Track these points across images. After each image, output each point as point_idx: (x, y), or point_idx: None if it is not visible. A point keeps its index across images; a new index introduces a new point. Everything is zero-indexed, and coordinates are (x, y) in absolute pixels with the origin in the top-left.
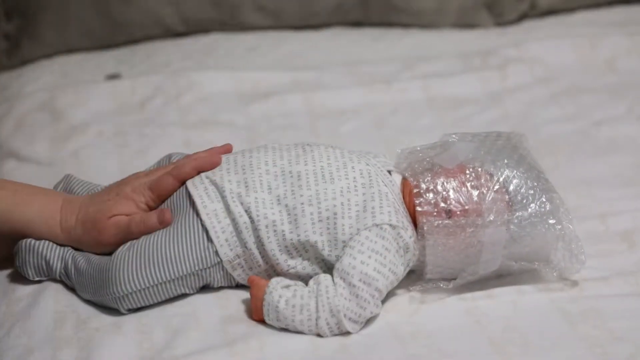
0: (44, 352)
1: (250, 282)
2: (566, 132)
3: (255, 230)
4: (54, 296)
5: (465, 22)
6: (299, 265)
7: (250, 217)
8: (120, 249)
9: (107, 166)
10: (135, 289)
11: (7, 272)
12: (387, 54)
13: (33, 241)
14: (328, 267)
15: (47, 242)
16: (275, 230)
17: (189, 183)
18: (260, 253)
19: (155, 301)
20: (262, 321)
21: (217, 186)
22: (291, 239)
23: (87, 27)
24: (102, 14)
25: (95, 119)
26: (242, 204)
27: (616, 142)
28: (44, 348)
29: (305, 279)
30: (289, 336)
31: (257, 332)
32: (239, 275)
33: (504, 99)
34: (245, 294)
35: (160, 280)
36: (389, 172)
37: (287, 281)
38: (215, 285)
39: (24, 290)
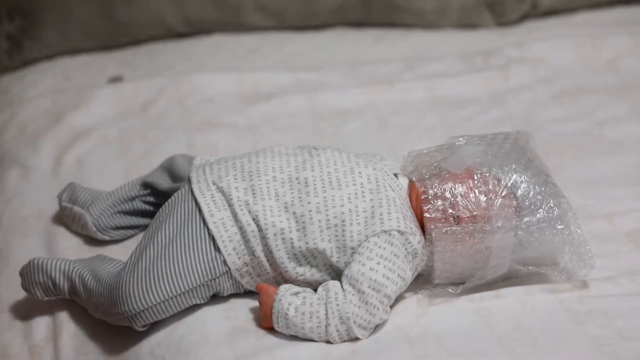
0: None
1: (259, 289)
2: (569, 132)
3: (264, 238)
4: (72, 344)
5: (466, 23)
6: (308, 272)
7: (258, 226)
8: (128, 264)
9: (111, 172)
10: (146, 306)
11: (16, 303)
12: (389, 54)
13: (41, 259)
14: (336, 274)
15: (52, 259)
16: (283, 238)
17: (195, 189)
18: (268, 261)
19: (168, 315)
20: (271, 329)
21: (224, 193)
22: (299, 247)
23: (89, 27)
24: (105, 14)
25: (99, 124)
26: (249, 212)
27: (619, 141)
28: None
29: (313, 285)
30: (298, 345)
31: (266, 344)
32: (248, 283)
33: (506, 99)
34: (253, 302)
35: (171, 295)
36: (396, 175)
37: (296, 288)
38: (225, 294)
39: (41, 330)
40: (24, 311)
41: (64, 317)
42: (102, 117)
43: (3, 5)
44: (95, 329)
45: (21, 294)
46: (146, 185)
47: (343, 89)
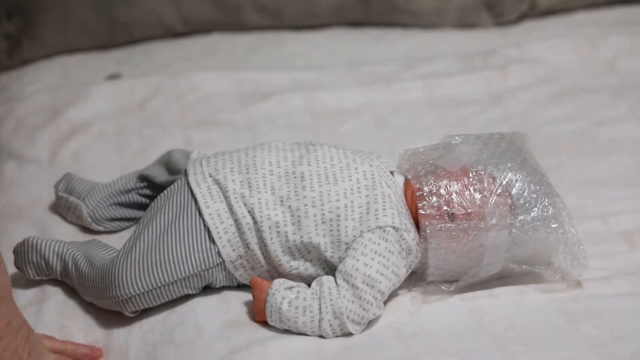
0: None
1: (253, 283)
2: (567, 132)
3: (258, 231)
4: (58, 309)
5: (465, 23)
6: (302, 266)
7: (253, 218)
8: (122, 250)
9: (107, 166)
10: (138, 292)
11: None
12: (388, 54)
13: (35, 238)
14: (330, 269)
15: (47, 240)
16: (278, 232)
17: (192, 180)
18: (262, 254)
19: (159, 302)
20: (264, 323)
21: (220, 185)
22: (294, 240)
23: (87, 27)
24: (103, 14)
25: (96, 119)
26: (245, 204)
27: (617, 142)
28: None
29: (307, 280)
30: (292, 339)
31: (259, 337)
32: (241, 276)
33: (505, 99)
34: (247, 296)
35: (163, 282)
36: (392, 173)
37: (289, 282)
38: (217, 286)
39: (25, 296)
40: (12, 283)
41: (52, 289)
42: (100, 113)
43: (2, 5)
44: (86, 304)
45: (11, 271)
46: (143, 178)
47: (342, 88)
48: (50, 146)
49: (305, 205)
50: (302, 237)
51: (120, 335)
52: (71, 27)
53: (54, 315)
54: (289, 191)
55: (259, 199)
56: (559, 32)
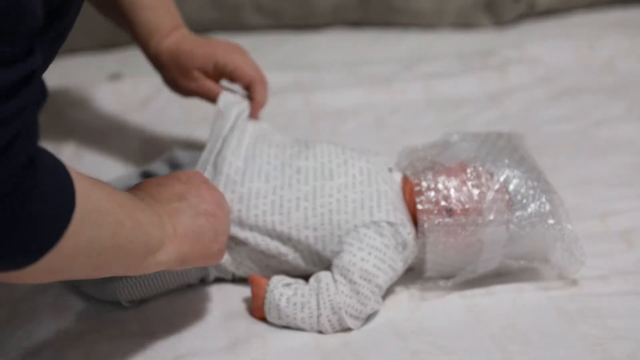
0: (47, 356)
1: (251, 281)
2: (566, 132)
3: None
4: (56, 297)
5: (464, 23)
6: (291, 254)
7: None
8: None
9: (109, 165)
10: (134, 280)
11: None
12: (387, 54)
13: None
14: (321, 261)
15: None
16: (265, 220)
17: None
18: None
19: (156, 292)
20: (263, 319)
21: (217, 168)
22: (281, 231)
23: (89, 27)
24: None
25: (98, 119)
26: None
27: (615, 142)
28: (47, 352)
29: (298, 269)
30: (291, 333)
31: (259, 329)
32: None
33: (503, 99)
34: (246, 291)
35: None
36: (390, 169)
37: (287, 279)
38: (211, 278)
39: (24, 288)
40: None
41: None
42: (101, 113)
43: None
44: (84, 295)
45: None
46: (145, 175)
47: (341, 88)
48: (51, 145)
49: (298, 198)
50: (290, 228)
51: (118, 312)
52: (72, 27)
53: (52, 302)
54: (283, 182)
55: (250, 188)
56: (558, 33)
